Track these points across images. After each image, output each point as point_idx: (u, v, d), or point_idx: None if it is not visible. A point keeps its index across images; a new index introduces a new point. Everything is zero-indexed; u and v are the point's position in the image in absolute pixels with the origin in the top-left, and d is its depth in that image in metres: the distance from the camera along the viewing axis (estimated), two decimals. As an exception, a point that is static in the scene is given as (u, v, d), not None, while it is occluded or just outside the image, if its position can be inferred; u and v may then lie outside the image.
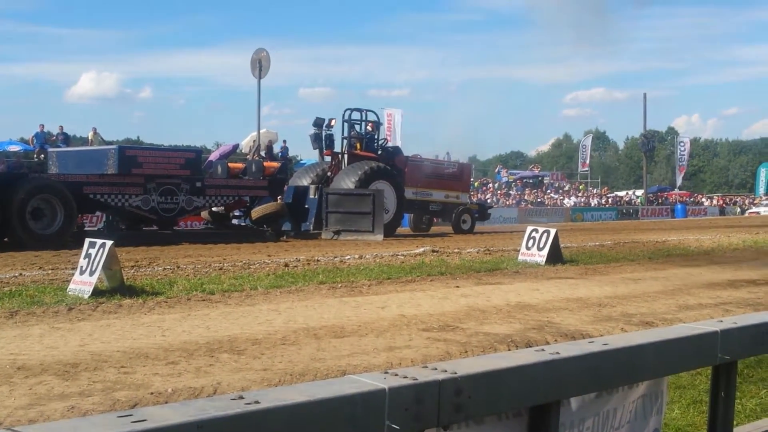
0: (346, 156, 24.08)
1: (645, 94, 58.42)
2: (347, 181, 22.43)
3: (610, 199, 56.23)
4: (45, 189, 16.76)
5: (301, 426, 1.97)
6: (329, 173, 23.79)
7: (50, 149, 23.42)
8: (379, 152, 24.58)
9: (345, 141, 24.33)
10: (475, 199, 39.83)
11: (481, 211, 28.48)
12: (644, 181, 59.60)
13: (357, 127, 24.57)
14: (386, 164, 23.72)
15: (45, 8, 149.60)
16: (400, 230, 24.56)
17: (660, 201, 59.20)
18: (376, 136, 24.93)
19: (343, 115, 24.60)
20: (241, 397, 1.92)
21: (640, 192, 60.53)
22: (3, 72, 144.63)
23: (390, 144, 28.90)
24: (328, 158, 24.73)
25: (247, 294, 9.21)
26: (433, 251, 15.92)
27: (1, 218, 15.76)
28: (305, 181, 23.51)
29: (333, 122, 24.48)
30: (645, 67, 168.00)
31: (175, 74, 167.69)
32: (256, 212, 21.45)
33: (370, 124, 24.80)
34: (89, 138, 31.77)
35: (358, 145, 24.15)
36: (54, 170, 19.29)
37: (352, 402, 2.10)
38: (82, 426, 1.63)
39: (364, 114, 24.82)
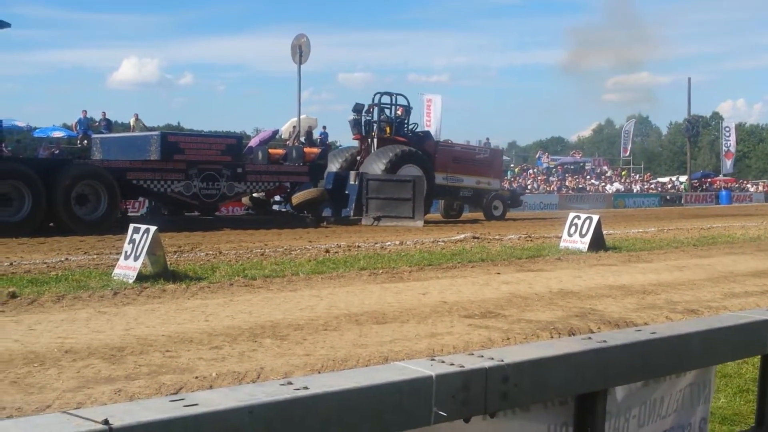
0: (375, 140, 24.00)
1: (689, 79, 57.32)
2: (376, 165, 22.38)
3: (653, 185, 55.54)
4: (89, 175, 17.00)
5: (349, 412, 1.98)
6: (358, 157, 23.75)
7: (94, 135, 23.67)
8: (409, 136, 24.47)
9: (374, 125, 24.24)
10: (515, 185, 39.63)
11: (513, 198, 28.25)
12: (688, 166, 58.72)
13: (387, 112, 24.47)
14: (416, 149, 23.61)
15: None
16: (429, 216, 24.36)
17: (704, 187, 58.34)
18: (405, 121, 24.78)
19: (373, 99, 24.49)
20: (290, 383, 1.93)
21: (683, 178, 59.66)
22: (46, 58, 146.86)
23: (431, 129, 28.74)
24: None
25: (289, 279, 9.26)
26: (474, 238, 15.87)
27: (46, 204, 16.03)
28: (335, 166, 23.47)
29: (372, 108, 24.46)
30: (689, 52, 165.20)
31: (216, 60, 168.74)
32: (297, 198, 21.55)
33: (400, 109, 24.66)
34: (131, 124, 32.13)
35: (388, 129, 24.06)
36: (98, 156, 19.53)
37: (399, 389, 2.10)
38: (135, 409, 1.64)
39: (394, 98, 24.69)
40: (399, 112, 24.60)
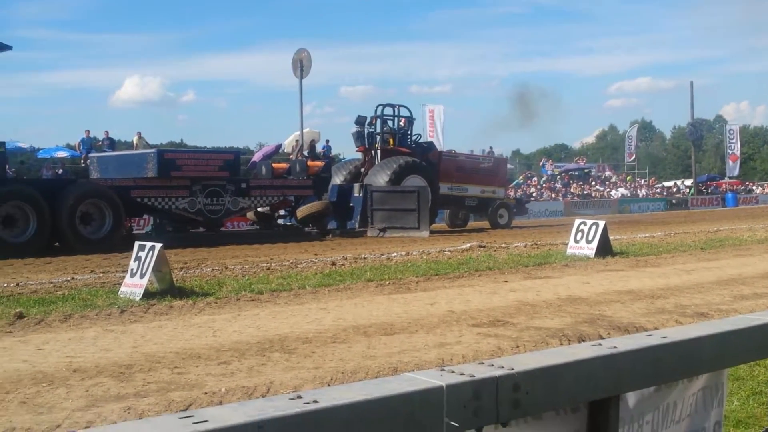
0: (379, 152, 24.00)
1: (692, 83, 57.16)
2: (381, 177, 22.37)
3: (658, 190, 55.44)
4: (93, 194, 17.01)
5: (360, 425, 1.96)
6: (362, 169, 23.75)
7: (91, 154, 23.62)
8: (413, 147, 24.48)
9: (378, 137, 24.25)
10: (519, 193, 39.60)
11: (519, 206, 28.23)
12: (693, 170, 58.58)
13: (390, 123, 24.49)
14: (420, 159, 23.60)
15: (86, 15, 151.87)
16: (435, 226, 24.30)
17: (710, 190, 58.20)
18: (409, 132, 24.79)
19: (376, 111, 24.51)
20: (300, 397, 1.91)
21: (689, 182, 59.51)
22: (49, 80, 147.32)
23: (434, 140, 28.73)
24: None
25: (296, 293, 9.24)
26: (480, 246, 15.84)
27: (51, 224, 16.05)
28: (339, 179, 23.48)
29: (375, 120, 24.51)
30: (690, 56, 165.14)
31: (218, 77, 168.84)
32: (302, 211, 21.55)
33: (402, 120, 24.67)
34: (134, 142, 32.18)
35: (391, 141, 24.07)
36: (95, 175, 19.56)
37: (410, 400, 2.08)
38: (144, 428, 1.62)
39: (396, 109, 24.69)
40: (402, 123, 24.62)
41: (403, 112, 24.85)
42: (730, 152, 61.82)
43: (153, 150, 20.73)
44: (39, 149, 36.43)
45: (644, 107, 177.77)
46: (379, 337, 6.61)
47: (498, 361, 2.45)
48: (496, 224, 25.53)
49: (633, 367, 2.77)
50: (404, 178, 22.45)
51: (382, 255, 14.36)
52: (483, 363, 2.43)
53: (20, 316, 7.54)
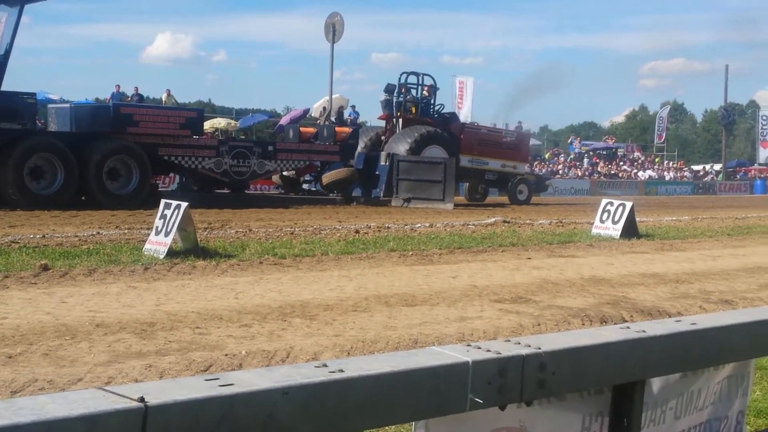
0: (400, 120, 23.82)
1: (727, 66, 56.47)
2: (401, 146, 22.24)
3: (686, 173, 54.86)
4: (121, 150, 17.08)
5: (384, 396, 1.95)
6: (383, 137, 23.61)
7: (49, 105, 22.70)
8: (435, 117, 24.27)
9: (400, 105, 24.06)
10: (544, 170, 39.34)
11: (539, 183, 27.97)
12: (723, 155, 57.94)
13: (413, 91, 24.28)
14: (441, 130, 23.41)
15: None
16: (454, 199, 24.10)
17: (738, 176, 57.51)
18: (432, 101, 24.56)
19: (399, 79, 24.31)
20: (325, 365, 1.90)
21: (718, 166, 58.84)
22: (81, 32, 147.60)
23: (463, 111, 28.49)
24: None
25: (318, 259, 9.25)
26: (505, 222, 15.78)
27: (79, 178, 16.16)
28: (359, 145, 23.34)
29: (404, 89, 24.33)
30: (727, 38, 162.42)
31: (249, 38, 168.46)
32: (327, 178, 21.54)
33: (426, 89, 24.43)
34: (163, 99, 32.24)
35: (414, 110, 23.87)
36: (53, 127, 18.89)
37: (435, 374, 2.06)
38: (171, 387, 1.61)
39: (420, 78, 24.46)
40: (425, 92, 24.41)
41: (427, 80, 24.62)
42: (762, 138, 60.90)
43: (109, 104, 20.48)
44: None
45: (677, 89, 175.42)
46: (401, 308, 6.60)
47: (525, 339, 2.42)
48: (515, 200, 25.27)
49: (661, 352, 2.74)
50: (424, 148, 22.28)
51: (406, 225, 14.34)
52: (509, 340, 2.40)
53: (45, 268, 7.61)
